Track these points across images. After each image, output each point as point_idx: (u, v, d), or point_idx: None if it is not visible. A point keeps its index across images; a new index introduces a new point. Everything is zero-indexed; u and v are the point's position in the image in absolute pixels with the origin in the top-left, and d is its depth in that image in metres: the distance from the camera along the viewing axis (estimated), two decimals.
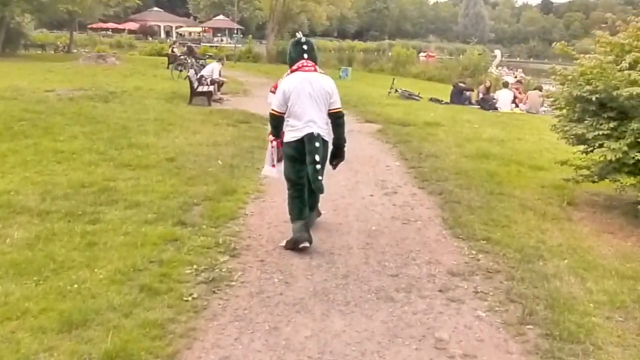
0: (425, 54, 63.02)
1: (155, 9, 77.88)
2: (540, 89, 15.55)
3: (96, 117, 9.77)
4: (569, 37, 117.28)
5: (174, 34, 73.67)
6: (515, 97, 15.13)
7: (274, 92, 4.77)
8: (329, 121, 4.50)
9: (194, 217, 4.99)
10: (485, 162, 7.89)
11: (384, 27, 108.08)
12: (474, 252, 4.53)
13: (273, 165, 4.70)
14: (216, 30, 66.36)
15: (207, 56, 19.42)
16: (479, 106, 14.91)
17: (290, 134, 4.41)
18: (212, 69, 13.45)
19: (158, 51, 36.92)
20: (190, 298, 3.48)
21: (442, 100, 15.55)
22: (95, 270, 3.76)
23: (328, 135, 4.49)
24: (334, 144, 4.58)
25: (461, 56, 28.92)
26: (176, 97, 13.00)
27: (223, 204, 5.40)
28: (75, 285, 3.52)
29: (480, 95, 15.80)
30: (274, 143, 4.61)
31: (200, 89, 12.50)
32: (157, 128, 9.12)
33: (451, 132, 10.42)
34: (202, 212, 5.16)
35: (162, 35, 73.71)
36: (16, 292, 3.40)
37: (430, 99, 15.75)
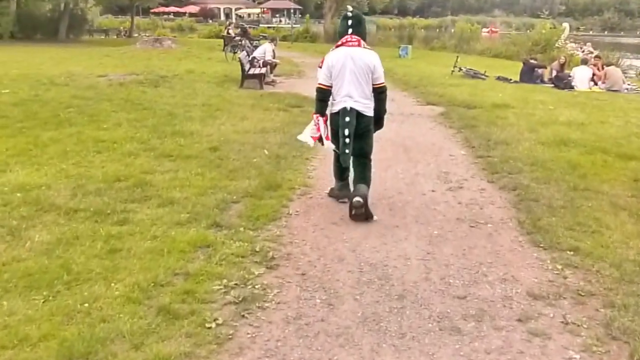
0: (487, 29, 60.16)
1: None
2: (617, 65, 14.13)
3: (143, 103, 9.46)
4: None
5: (234, 16, 74.35)
6: (593, 74, 13.70)
7: (321, 67, 4.80)
8: (371, 95, 4.64)
9: (231, 218, 4.45)
10: (564, 151, 6.94)
11: (446, 2, 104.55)
12: (559, 266, 3.74)
13: (314, 138, 4.79)
14: (275, 11, 66.28)
15: (261, 37, 18.86)
16: (552, 85, 13.62)
17: (331, 108, 4.70)
18: (265, 50, 12.89)
19: (216, 33, 36.94)
20: (214, 324, 2.93)
21: (510, 79, 14.33)
22: (112, 284, 3.29)
23: (370, 110, 4.64)
24: (375, 115, 4.72)
25: (529, 31, 27.05)
26: (228, 80, 12.58)
27: (265, 202, 4.83)
28: (86, 305, 3.04)
29: (554, 73, 14.46)
30: (319, 119, 4.74)
31: (252, 71, 12.00)
32: (204, 114, 8.68)
33: (523, 114, 9.40)
34: (241, 211, 4.62)
35: (222, 17, 74.68)
36: (20, 312, 2.97)
37: (498, 78, 14.57)
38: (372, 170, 4.89)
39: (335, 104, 4.63)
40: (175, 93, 10.55)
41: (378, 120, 4.82)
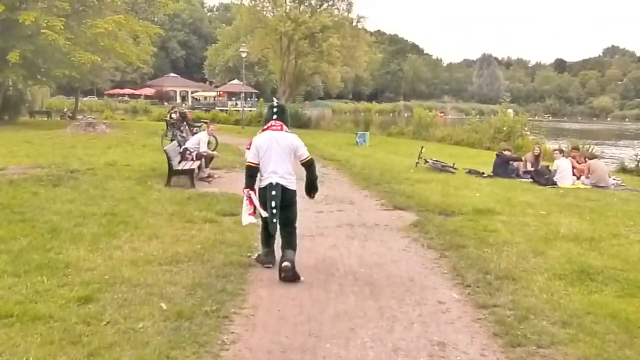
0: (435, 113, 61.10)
1: (172, 74, 78.96)
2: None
3: (26, 211, 7.11)
4: (586, 95, 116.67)
5: (190, 99, 73.61)
6: (573, 167, 12.25)
7: (249, 149, 5.51)
8: (293, 171, 5.35)
9: None
10: (593, 289, 4.95)
11: (399, 88, 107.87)
12: None
13: (251, 214, 5.36)
14: (231, 94, 65.95)
15: (202, 122, 16.95)
16: (531, 179, 12.04)
17: (259, 183, 5.35)
18: (199, 140, 10.87)
19: (166, 116, 35.16)
20: None
21: (483, 173, 12.73)
22: None
23: (294, 184, 5.33)
24: (306, 182, 5.58)
25: (479, 117, 26.38)
26: (154, 176, 10.40)
27: None
28: None
29: (529, 166, 13.00)
30: (250, 193, 5.33)
31: (181, 166, 9.89)
32: (101, 230, 6.39)
33: (514, 225, 7.52)
34: None
35: (178, 99, 73.94)
36: None
37: (469, 171, 12.95)
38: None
39: (263, 180, 5.28)
40: (76, 195, 8.24)
41: (311, 186, 5.59)
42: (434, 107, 74.54)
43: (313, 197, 5.76)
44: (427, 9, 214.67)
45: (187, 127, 15.23)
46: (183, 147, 10.80)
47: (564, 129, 54.22)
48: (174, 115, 18.40)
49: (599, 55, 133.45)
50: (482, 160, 16.86)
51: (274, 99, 5.74)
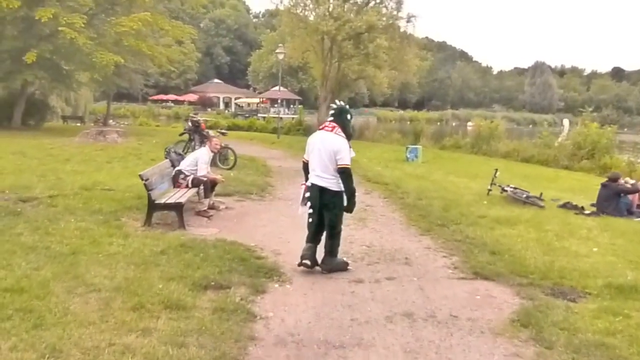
0: (472, 123, 57.37)
1: (216, 80, 78.42)
2: None
3: None
4: None
5: (233, 105, 72.36)
6: None
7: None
8: (336, 173, 5.36)
9: None
10: None
11: (446, 96, 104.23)
12: None
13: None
14: (273, 101, 64.01)
15: (219, 132, 14.14)
16: None
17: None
18: (196, 159, 8.02)
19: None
20: None
21: (582, 208, 9.40)
22: None
23: (334, 185, 5.40)
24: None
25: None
26: (136, 208, 7.61)
27: None
28: None
29: None
30: (303, 186, 5.66)
31: (165, 198, 7.07)
32: None
33: None
34: None
35: (221, 106, 72.95)
36: None
37: (564, 205, 9.62)
38: None
39: (308, 179, 5.57)
40: None
41: (348, 199, 5.46)
42: (484, 115, 70.66)
43: (350, 212, 5.59)
44: (477, 16, 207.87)
45: (200, 138, 12.47)
46: (176, 168, 7.99)
47: (624, 141, 49.06)
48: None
49: None
50: (567, 186, 13.47)
51: (336, 100, 5.79)
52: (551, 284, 5.27)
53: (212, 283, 4.86)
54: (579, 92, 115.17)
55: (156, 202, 6.84)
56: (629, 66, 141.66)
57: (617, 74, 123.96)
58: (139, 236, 6.28)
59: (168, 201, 6.97)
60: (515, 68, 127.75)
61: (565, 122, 24.99)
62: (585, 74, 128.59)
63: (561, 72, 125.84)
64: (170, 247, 5.82)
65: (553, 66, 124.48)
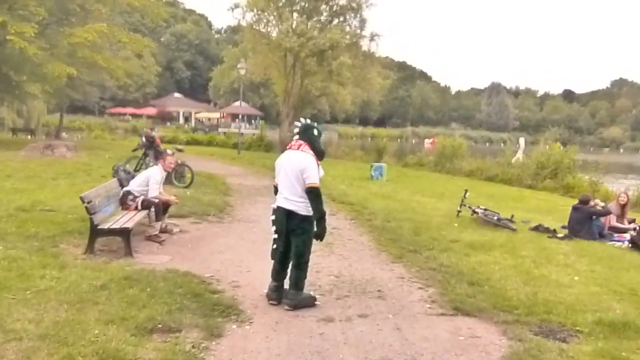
0: (430, 140, 58.64)
1: (176, 94, 77.27)
2: None
3: None
4: (596, 125, 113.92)
5: (193, 119, 71.20)
6: None
7: None
8: (304, 194, 4.83)
9: None
10: None
11: (406, 114, 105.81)
12: None
13: None
14: (234, 116, 63.34)
15: (175, 148, 13.38)
16: (630, 243, 8.43)
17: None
18: (147, 178, 7.31)
19: (160, 137, 32.05)
20: None
21: (554, 231, 9.11)
22: None
23: (303, 209, 4.86)
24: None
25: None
26: (79, 231, 6.84)
27: None
28: None
29: (614, 221, 9.42)
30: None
31: (109, 224, 6.32)
32: None
33: None
34: None
35: (181, 120, 71.72)
36: None
37: (536, 228, 9.30)
38: None
39: (276, 200, 5.10)
40: None
41: (317, 222, 4.90)
42: (442, 133, 71.83)
43: (321, 239, 5.04)
44: (437, 38, 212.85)
45: (154, 154, 11.68)
46: (124, 188, 7.23)
47: (588, 161, 50.45)
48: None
49: (607, 87, 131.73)
50: (533, 206, 13.28)
51: (301, 118, 5.26)
52: (538, 320, 4.81)
53: (159, 325, 4.18)
54: (533, 112, 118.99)
55: (99, 227, 6.09)
56: (578, 89, 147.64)
57: (568, 95, 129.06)
58: (77, 266, 5.51)
59: (113, 226, 6.21)
60: (472, 88, 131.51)
61: (521, 140, 25.24)
62: (538, 95, 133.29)
63: (516, 93, 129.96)
64: (112, 281, 5.09)
65: (508, 87, 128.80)
